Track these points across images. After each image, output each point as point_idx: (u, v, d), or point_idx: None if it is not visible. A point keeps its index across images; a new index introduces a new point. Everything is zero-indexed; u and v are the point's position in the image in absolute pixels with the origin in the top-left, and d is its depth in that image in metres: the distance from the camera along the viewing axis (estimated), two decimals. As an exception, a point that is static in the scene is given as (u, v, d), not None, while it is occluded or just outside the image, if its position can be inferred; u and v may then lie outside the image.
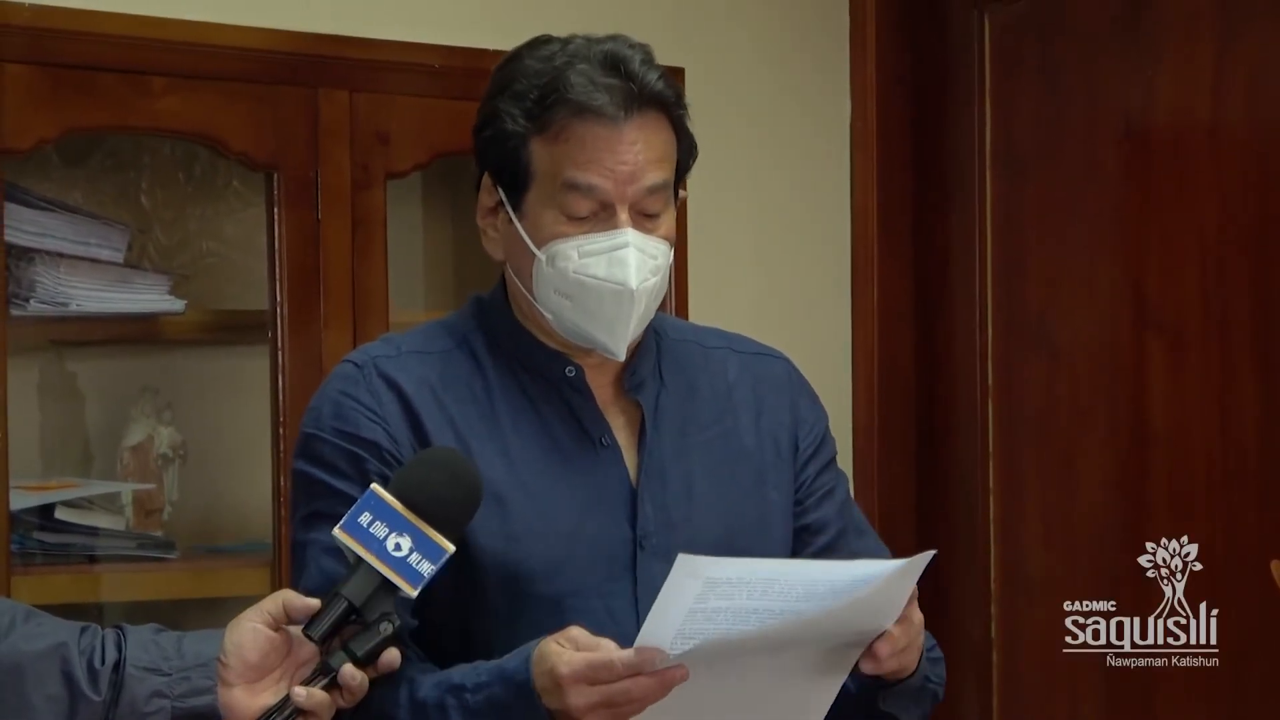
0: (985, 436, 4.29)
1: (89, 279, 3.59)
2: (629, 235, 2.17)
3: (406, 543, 1.97)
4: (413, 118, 3.70)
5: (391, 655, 1.97)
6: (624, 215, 2.17)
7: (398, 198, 3.80)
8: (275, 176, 3.59)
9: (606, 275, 2.17)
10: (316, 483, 2.18)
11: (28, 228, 3.51)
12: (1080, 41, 4.14)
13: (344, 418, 2.20)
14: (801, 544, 2.33)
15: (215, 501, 3.92)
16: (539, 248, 2.19)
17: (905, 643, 2.10)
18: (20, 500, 3.51)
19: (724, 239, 4.18)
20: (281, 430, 3.57)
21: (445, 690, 2.09)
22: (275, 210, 3.60)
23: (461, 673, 2.09)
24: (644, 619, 1.98)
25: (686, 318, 4.01)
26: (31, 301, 3.51)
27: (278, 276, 3.59)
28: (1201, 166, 3.95)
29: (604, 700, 1.95)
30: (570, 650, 1.99)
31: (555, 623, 2.09)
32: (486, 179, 2.25)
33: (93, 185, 3.78)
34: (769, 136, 4.28)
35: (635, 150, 2.17)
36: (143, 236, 3.79)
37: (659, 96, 2.19)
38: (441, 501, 2.00)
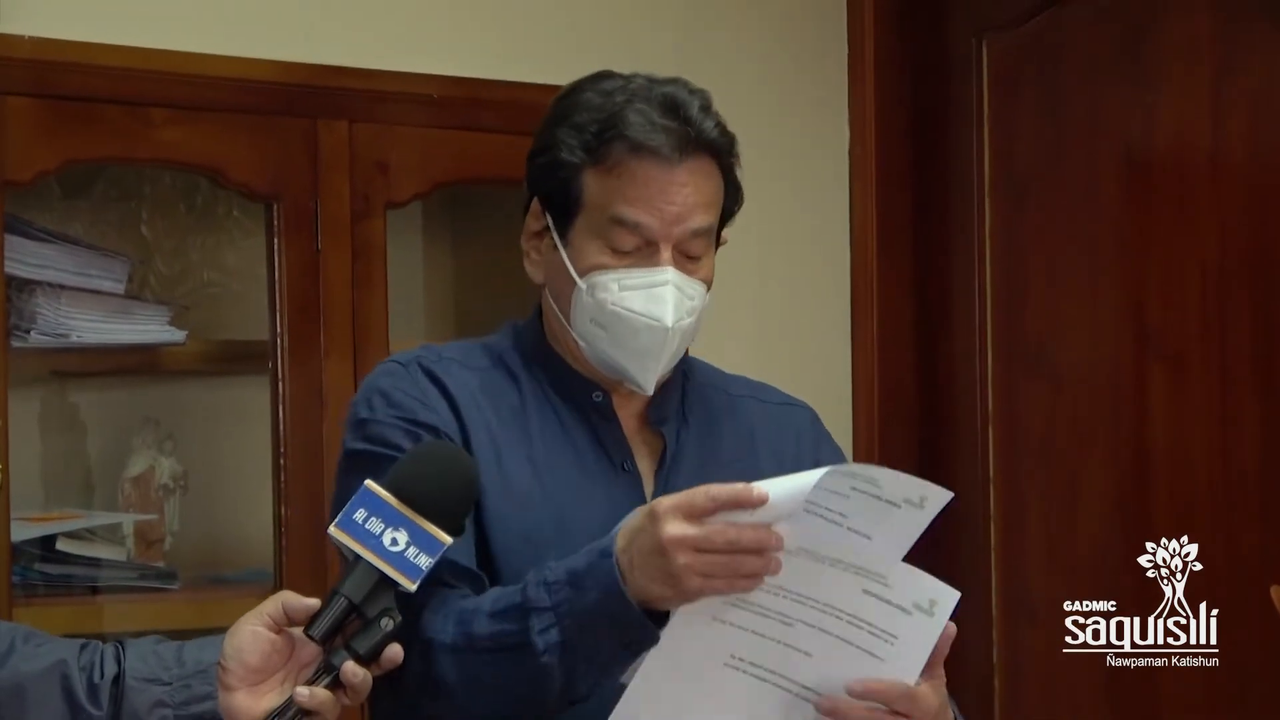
0: (986, 462, 4.29)
1: (90, 310, 3.59)
2: (669, 274, 2.22)
3: (403, 537, 1.96)
4: (412, 148, 3.70)
5: (394, 651, 1.96)
6: (667, 254, 2.22)
7: (398, 228, 3.80)
8: (275, 207, 3.59)
9: (644, 310, 2.22)
10: (378, 459, 2.17)
11: (29, 259, 3.51)
12: (1080, 67, 4.14)
13: (398, 404, 2.24)
14: None
15: (217, 531, 3.92)
16: (581, 276, 2.24)
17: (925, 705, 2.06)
18: (22, 531, 3.51)
19: (724, 264, 4.12)
20: (282, 460, 3.56)
21: (533, 572, 2.09)
22: (275, 240, 3.60)
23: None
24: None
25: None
26: (32, 333, 3.51)
27: (278, 307, 3.59)
28: (1202, 192, 3.95)
29: (701, 538, 1.94)
30: None
31: None
32: (535, 204, 2.30)
33: (94, 216, 3.78)
34: (768, 162, 4.27)
35: (685, 192, 2.23)
36: (143, 267, 3.79)
37: (713, 144, 2.26)
38: (437, 495, 1.99)
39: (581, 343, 2.26)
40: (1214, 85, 3.91)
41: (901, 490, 2.00)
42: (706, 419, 2.36)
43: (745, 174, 4.25)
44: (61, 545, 3.61)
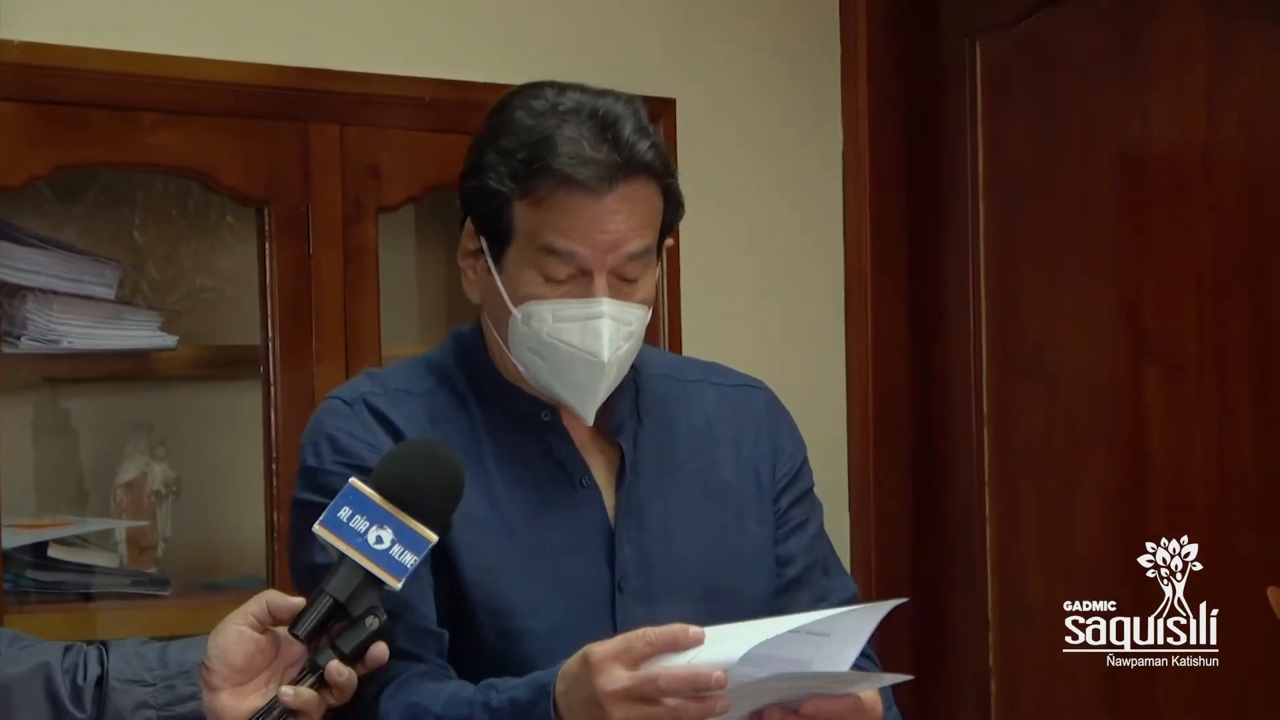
0: (982, 465, 4.28)
1: (81, 316, 3.58)
2: (605, 305, 2.17)
3: (388, 535, 1.96)
4: (404, 151, 3.70)
5: (379, 650, 1.96)
6: (601, 282, 2.17)
7: (390, 231, 3.79)
8: (266, 211, 3.59)
9: (580, 344, 2.17)
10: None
11: (20, 265, 3.51)
12: (1073, 69, 4.14)
13: (345, 450, 2.21)
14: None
15: (209, 537, 3.91)
16: (515, 305, 2.19)
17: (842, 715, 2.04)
18: (13, 539, 3.51)
19: (718, 269, 4.18)
20: (275, 465, 3.56)
21: (482, 688, 2.09)
22: (266, 245, 3.59)
23: (503, 679, 2.10)
24: None
25: (681, 348, 4.00)
26: (24, 339, 3.51)
27: (269, 311, 3.58)
28: (1196, 194, 3.95)
29: (636, 689, 1.93)
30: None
31: (544, 661, 2.09)
32: (469, 224, 2.25)
33: (86, 221, 3.77)
34: (762, 166, 4.28)
35: (618, 220, 2.16)
36: (135, 273, 3.78)
37: (648, 166, 2.18)
38: (422, 492, 1.98)
39: (521, 368, 2.22)
40: (1209, 86, 3.91)
41: (852, 628, 2.00)
42: (661, 415, 2.32)
43: (738, 179, 4.27)
44: (53, 552, 3.60)
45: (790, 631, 1.96)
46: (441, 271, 4.06)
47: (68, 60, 3.40)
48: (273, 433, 3.57)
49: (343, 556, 1.95)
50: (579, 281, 2.17)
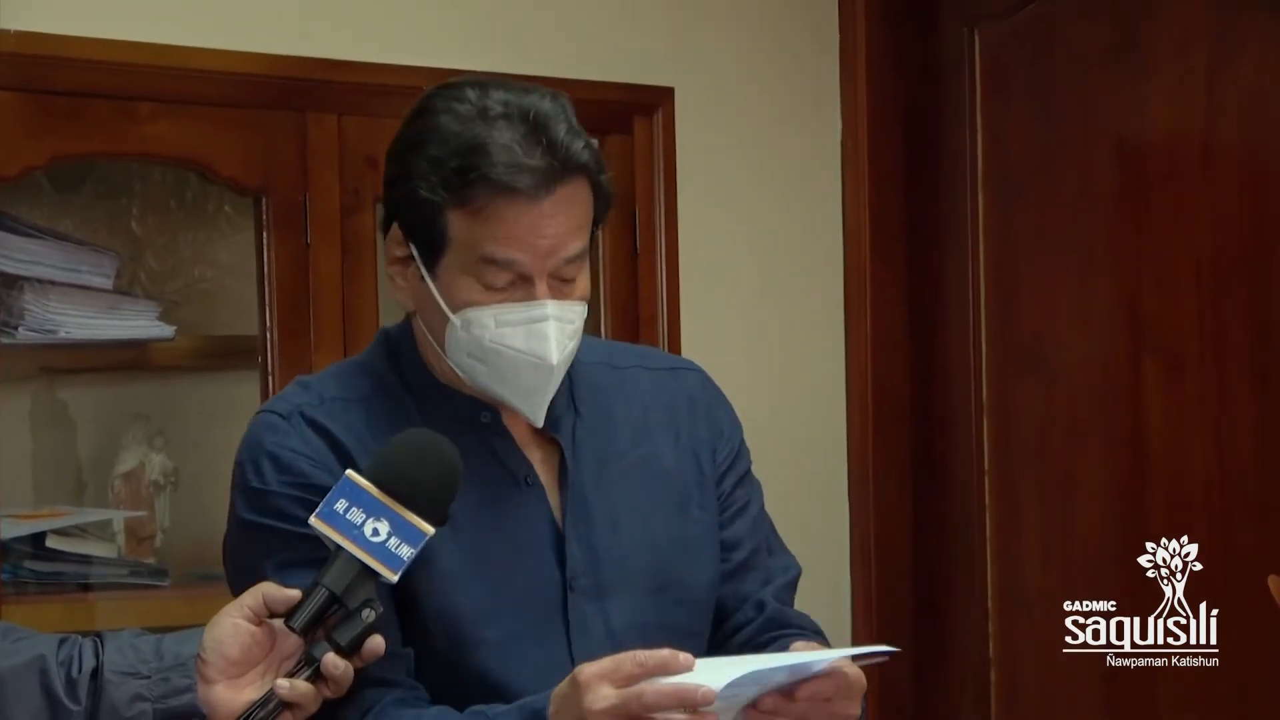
0: (981, 457, 4.28)
1: (79, 306, 3.58)
2: (549, 308, 2.13)
3: (385, 527, 1.95)
4: (401, 141, 3.68)
5: (375, 643, 1.95)
6: (543, 286, 2.12)
7: (388, 222, 3.78)
8: (264, 201, 3.59)
9: (525, 348, 2.13)
10: (279, 533, 2.12)
11: (17, 255, 3.51)
12: (1072, 59, 4.13)
13: (286, 467, 2.15)
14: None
15: (208, 528, 3.89)
16: (454, 312, 2.14)
17: (830, 694, 2.03)
18: (11, 529, 3.51)
19: (716, 261, 4.17)
20: (273, 456, 3.55)
21: (471, 714, 2.08)
22: (264, 235, 3.59)
23: (492, 706, 2.08)
24: (578, 664, 1.97)
25: (680, 342, 4.00)
26: (21, 329, 3.51)
27: (268, 301, 3.58)
28: (1196, 185, 3.94)
29: (622, 706, 1.93)
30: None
31: (498, 669, 2.10)
32: (396, 230, 2.18)
33: (84, 212, 3.77)
34: (760, 157, 4.27)
35: (556, 223, 2.11)
36: (134, 263, 3.78)
37: (583, 167, 2.13)
38: (418, 484, 1.97)
39: (461, 373, 2.17)
40: (1208, 76, 3.90)
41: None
42: (598, 405, 2.29)
43: (736, 170, 4.27)
44: (52, 542, 3.60)
45: (780, 666, 1.97)
46: (439, 262, 4.05)
47: (65, 50, 3.40)
48: (271, 423, 3.56)
49: (339, 549, 1.94)
50: (518, 286, 2.12)
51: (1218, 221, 3.92)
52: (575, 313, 2.16)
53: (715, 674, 1.93)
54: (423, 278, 2.16)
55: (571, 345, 2.17)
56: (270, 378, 3.57)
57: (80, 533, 3.68)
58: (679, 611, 2.23)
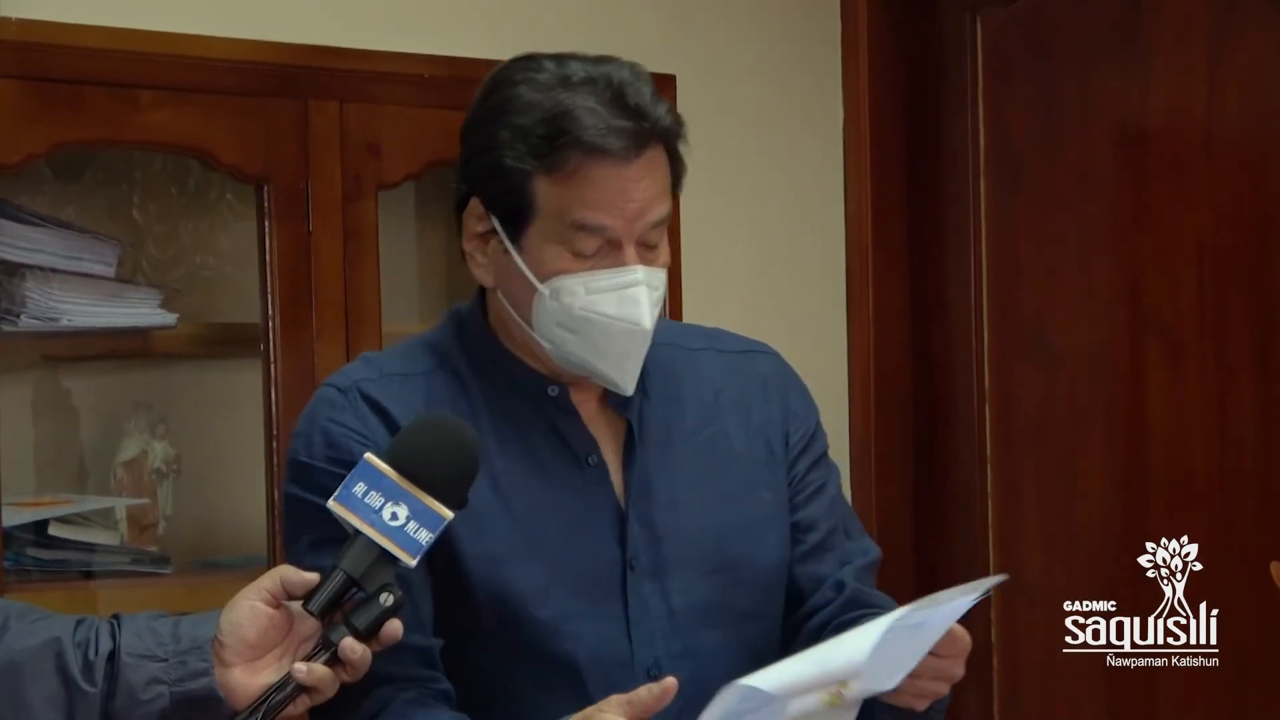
0: (983, 442, 4.28)
1: (80, 294, 3.57)
2: (640, 273, 2.13)
3: (403, 512, 1.94)
4: (403, 128, 3.68)
5: (393, 627, 1.94)
6: (631, 251, 2.13)
7: (389, 209, 3.78)
8: (265, 189, 3.57)
9: (618, 314, 2.13)
10: (317, 509, 2.10)
11: (19, 243, 3.50)
12: (1074, 45, 4.13)
13: (335, 444, 2.16)
14: (792, 542, 2.29)
15: (210, 516, 3.91)
16: (542, 282, 2.13)
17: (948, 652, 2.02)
18: (14, 517, 3.50)
19: (718, 246, 4.17)
20: (275, 443, 3.55)
21: None
22: (266, 223, 3.58)
23: None
24: (636, 643, 1.95)
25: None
26: (23, 317, 3.50)
27: (269, 289, 3.57)
28: (1197, 170, 3.95)
29: None
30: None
31: (552, 649, 2.09)
32: (477, 205, 2.18)
33: (85, 200, 3.76)
34: (762, 143, 4.27)
35: (643, 186, 2.12)
36: (135, 251, 3.77)
37: (668, 132, 2.15)
38: (438, 468, 1.97)
39: (547, 345, 2.16)
40: (1210, 61, 3.90)
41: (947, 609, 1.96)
42: (667, 385, 2.28)
43: (738, 155, 4.26)
44: (54, 530, 3.60)
45: (887, 631, 1.90)
46: (442, 248, 4.06)
47: (66, 38, 3.39)
48: (273, 411, 3.56)
49: (357, 532, 1.94)
50: (606, 252, 2.13)
51: (1218, 207, 3.92)
52: (660, 279, 2.17)
53: (856, 642, 1.90)
54: (506, 250, 2.15)
55: (656, 312, 2.17)
56: (272, 365, 3.57)
57: (83, 520, 3.68)
58: (740, 593, 2.22)
